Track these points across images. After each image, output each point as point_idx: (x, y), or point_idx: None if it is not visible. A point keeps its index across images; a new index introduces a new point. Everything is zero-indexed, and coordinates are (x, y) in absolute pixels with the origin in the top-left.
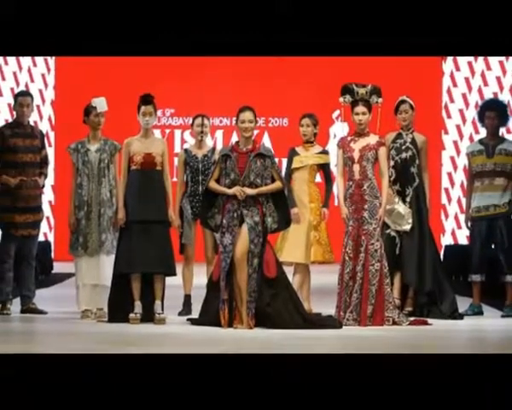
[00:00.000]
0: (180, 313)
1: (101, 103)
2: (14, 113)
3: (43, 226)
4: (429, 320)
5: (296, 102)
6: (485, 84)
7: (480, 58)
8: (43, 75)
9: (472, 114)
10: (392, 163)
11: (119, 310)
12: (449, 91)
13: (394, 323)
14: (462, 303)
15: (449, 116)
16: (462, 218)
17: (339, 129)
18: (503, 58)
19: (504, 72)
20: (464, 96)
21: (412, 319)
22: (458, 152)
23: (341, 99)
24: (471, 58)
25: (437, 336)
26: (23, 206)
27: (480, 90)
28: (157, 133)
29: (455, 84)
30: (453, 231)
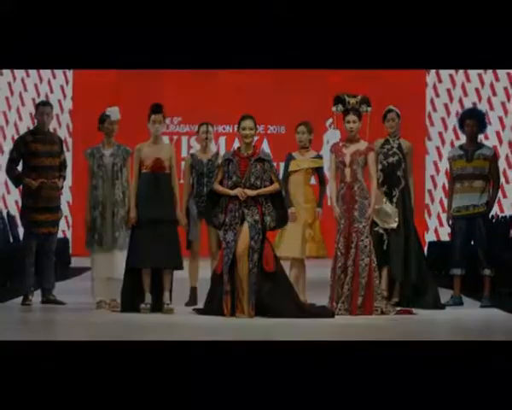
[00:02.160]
0: (187, 304)
1: (114, 112)
2: (36, 121)
3: (62, 224)
4: (414, 310)
5: (293, 111)
6: (465, 94)
7: (461, 71)
8: (61, 87)
9: (453, 122)
10: (380, 167)
11: (130, 301)
12: (432, 101)
13: (382, 312)
14: (444, 295)
15: (432, 124)
16: (444, 217)
17: (332, 136)
18: (481, 71)
19: (483, 83)
20: (446, 105)
21: (398, 308)
22: (440, 157)
23: (334, 108)
24: (452, 71)
25: (421, 325)
26: (43, 206)
27: (460, 101)
28: (165, 139)
29: (437, 95)
30: (436, 229)
